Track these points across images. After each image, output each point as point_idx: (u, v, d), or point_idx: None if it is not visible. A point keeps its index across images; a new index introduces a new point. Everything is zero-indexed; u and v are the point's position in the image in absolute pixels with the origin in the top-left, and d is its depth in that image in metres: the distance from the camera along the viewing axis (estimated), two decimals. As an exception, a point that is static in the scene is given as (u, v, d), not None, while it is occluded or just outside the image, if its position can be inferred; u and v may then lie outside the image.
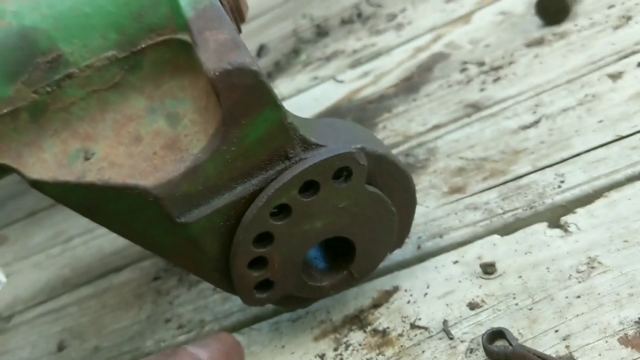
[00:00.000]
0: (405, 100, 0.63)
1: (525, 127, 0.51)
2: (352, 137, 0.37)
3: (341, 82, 0.74)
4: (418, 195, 0.48)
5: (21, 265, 0.73)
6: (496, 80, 0.58)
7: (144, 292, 0.57)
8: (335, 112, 0.68)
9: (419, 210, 0.48)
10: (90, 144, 0.35)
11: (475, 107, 0.56)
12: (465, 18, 0.73)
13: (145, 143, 0.35)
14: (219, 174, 0.34)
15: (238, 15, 0.42)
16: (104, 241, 0.68)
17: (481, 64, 0.62)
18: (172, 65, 0.36)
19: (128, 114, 0.36)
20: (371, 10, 0.90)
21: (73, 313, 0.60)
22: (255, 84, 0.32)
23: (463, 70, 0.63)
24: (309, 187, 0.35)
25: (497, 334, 0.36)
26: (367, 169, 0.36)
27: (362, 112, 0.65)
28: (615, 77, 0.51)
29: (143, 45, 0.35)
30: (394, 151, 0.56)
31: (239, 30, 0.43)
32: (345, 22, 0.90)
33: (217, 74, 0.31)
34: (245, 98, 0.32)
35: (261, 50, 0.98)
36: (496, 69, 0.60)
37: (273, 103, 0.33)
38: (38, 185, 0.34)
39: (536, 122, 0.51)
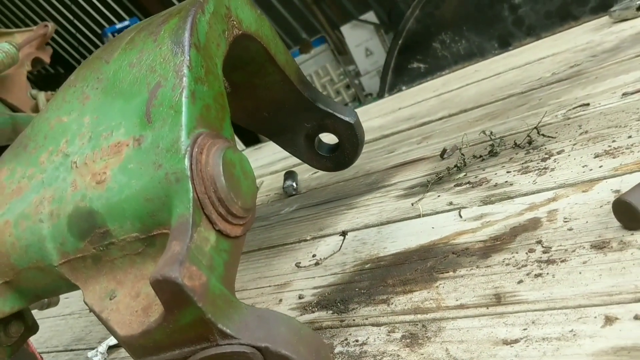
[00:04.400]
0: (473, 264, 0.65)
1: (508, 343, 0.50)
2: (268, 334, 0.46)
3: (461, 218, 0.78)
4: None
5: None
6: (537, 276, 0.57)
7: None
8: (429, 251, 0.73)
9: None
10: (118, 288, 0.52)
11: (497, 299, 0.56)
12: (590, 184, 0.69)
13: (138, 300, 0.50)
14: (163, 339, 0.47)
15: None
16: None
17: (547, 249, 0.60)
18: (172, 248, 0.50)
19: (143, 273, 0.51)
20: (541, 141, 0.88)
21: None
22: (178, 292, 0.44)
23: (530, 250, 0.62)
24: (220, 366, 0.46)
25: None
26: (271, 363, 0.45)
27: (438, 262, 0.69)
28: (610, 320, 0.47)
29: (155, 233, 0.50)
30: (409, 317, 0.60)
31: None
32: (516, 146, 0.91)
33: (152, 281, 0.44)
34: (171, 299, 0.44)
35: (444, 152, 1.03)
36: (550, 262, 0.58)
37: (193, 305, 0.44)
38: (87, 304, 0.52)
39: (518, 341, 0.50)
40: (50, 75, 7.07)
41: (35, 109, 1.45)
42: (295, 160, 1.58)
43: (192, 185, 0.49)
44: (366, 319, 0.64)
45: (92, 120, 0.57)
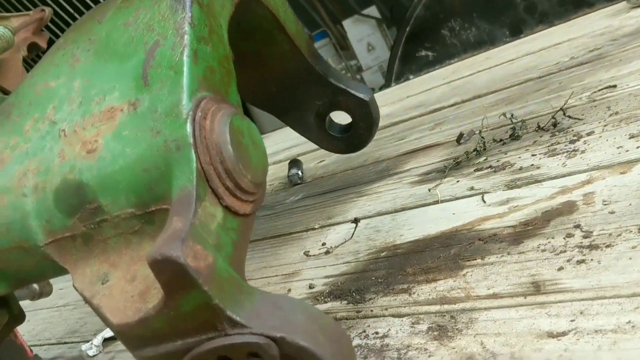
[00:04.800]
0: (503, 250, 0.59)
1: (554, 336, 0.44)
2: (285, 321, 0.39)
3: (484, 203, 0.72)
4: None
5: None
6: (580, 262, 0.51)
7: None
8: (452, 238, 0.67)
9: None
10: (111, 271, 0.46)
11: (536, 288, 0.50)
12: (628, 165, 0.63)
13: (134, 285, 0.44)
14: (163, 328, 0.41)
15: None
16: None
17: (588, 234, 0.54)
18: (174, 225, 0.44)
19: (140, 254, 0.45)
20: (567, 123, 0.82)
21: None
22: (180, 273, 0.38)
23: (569, 235, 0.56)
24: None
25: None
26: (288, 357, 0.39)
27: (462, 249, 0.63)
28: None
29: (153, 208, 0.44)
30: (435, 308, 0.54)
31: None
32: (540, 128, 0.85)
33: (150, 260, 0.38)
34: (172, 281, 0.38)
35: (460, 137, 0.97)
36: (593, 248, 0.52)
37: (198, 288, 0.38)
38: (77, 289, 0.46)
39: (566, 333, 0.44)
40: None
41: (29, 93, 1.39)
42: (300, 150, 1.52)
43: (196, 154, 0.43)
44: (385, 309, 0.58)
45: (82, 84, 0.51)
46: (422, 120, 1.24)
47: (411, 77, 1.86)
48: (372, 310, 0.59)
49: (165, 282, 0.38)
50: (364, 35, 4.98)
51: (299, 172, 1.21)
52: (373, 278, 0.65)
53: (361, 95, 0.75)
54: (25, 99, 0.53)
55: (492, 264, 0.58)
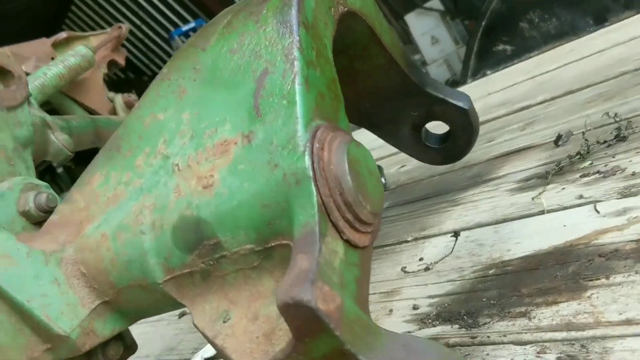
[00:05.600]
0: (630, 269, 0.55)
1: None
2: (420, 365, 0.37)
3: (598, 213, 0.67)
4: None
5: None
6: None
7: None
8: (567, 254, 0.63)
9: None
10: (231, 308, 0.45)
11: (680, 316, 0.46)
12: None
13: (257, 324, 0.43)
14: (292, 372, 0.39)
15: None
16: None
17: None
18: (294, 261, 0.42)
19: (260, 290, 0.44)
20: (683, 120, 0.76)
21: None
22: (312, 318, 0.36)
23: None
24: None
25: None
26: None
27: (582, 267, 0.59)
28: None
29: (273, 244, 0.43)
30: (561, 335, 0.51)
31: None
32: (650, 128, 0.79)
33: (280, 304, 0.37)
34: (303, 326, 0.37)
35: (559, 139, 0.92)
36: None
37: (329, 333, 0.36)
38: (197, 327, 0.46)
39: None
40: (120, 81, 7.25)
41: (113, 112, 1.43)
42: (377, 154, 1.49)
43: (316, 187, 0.41)
44: (504, 335, 0.55)
45: (192, 116, 0.50)
46: (510, 119, 1.19)
47: (489, 72, 1.79)
48: (488, 337, 0.56)
49: (297, 327, 0.37)
50: (427, 28, 4.89)
51: (382, 179, 1.19)
52: (484, 299, 0.62)
53: (460, 104, 0.72)
54: (134, 133, 0.53)
55: (619, 284, 0.54)
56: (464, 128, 0.73)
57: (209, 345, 0.86)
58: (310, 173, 0.42)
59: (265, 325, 0.42)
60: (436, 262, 0.75)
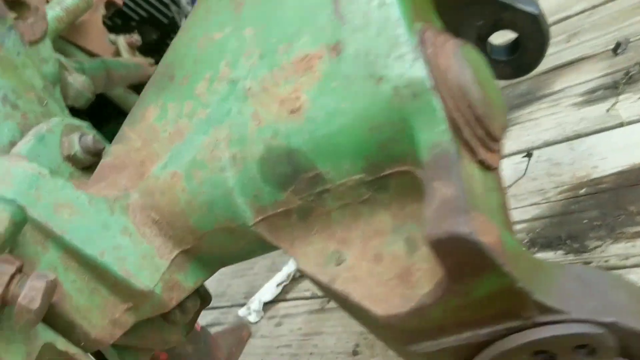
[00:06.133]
0: None
1: None
2: (605, 301, 0.31)
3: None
4: None
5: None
6: None
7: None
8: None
9: None
10: (343, 249, 0.38)
11: None
12: None
13: (383, 265, 0.36)
14: (445, 318, 0.33)
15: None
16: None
17: None
18: (416, 190, 0.35)
19: (375, 228, 0.37)
20: None
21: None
22: (474, 254, 0.29)
23: None
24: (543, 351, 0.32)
25: None
26: (621, 346, 0.30)
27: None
28: None
29: (388, 172, 0.36)
30: None
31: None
32: None
33: (432, 240, 0.30)
34: (463, 264, 0.30)
35: (617, 47, 0.84)
36: None
37: (497, 271, 0.30)
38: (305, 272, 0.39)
39: None
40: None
41: (117, 55, 1.33)
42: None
43: (442, 100, 0.34)
44: (626, 258, 0.49)
45: (257, 31, 0.42)
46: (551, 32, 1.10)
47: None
48: (606, 261, 0.50)
49: (453, 265, 0.30)
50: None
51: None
52: (585, 221, 0.56)
53: (530, 9, 0.63)
54: (187, 57, 0.45)
55: None
56: (534, 36, 0.65)
57: (265, 289, 0.79)
58: (431, 83, 0.34)
59: (393, 265, 0.35)
60: (509, 186, 0.69)
